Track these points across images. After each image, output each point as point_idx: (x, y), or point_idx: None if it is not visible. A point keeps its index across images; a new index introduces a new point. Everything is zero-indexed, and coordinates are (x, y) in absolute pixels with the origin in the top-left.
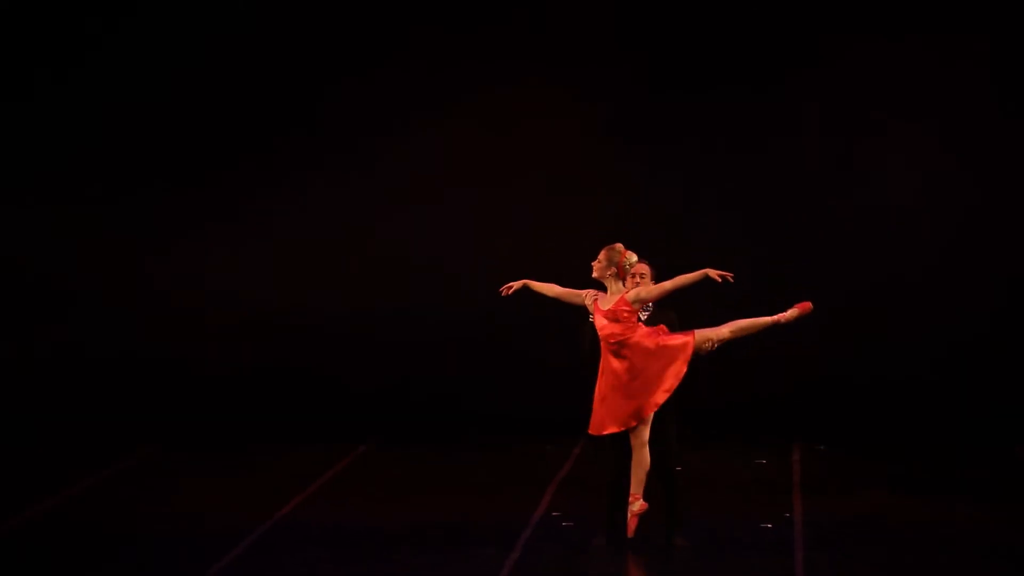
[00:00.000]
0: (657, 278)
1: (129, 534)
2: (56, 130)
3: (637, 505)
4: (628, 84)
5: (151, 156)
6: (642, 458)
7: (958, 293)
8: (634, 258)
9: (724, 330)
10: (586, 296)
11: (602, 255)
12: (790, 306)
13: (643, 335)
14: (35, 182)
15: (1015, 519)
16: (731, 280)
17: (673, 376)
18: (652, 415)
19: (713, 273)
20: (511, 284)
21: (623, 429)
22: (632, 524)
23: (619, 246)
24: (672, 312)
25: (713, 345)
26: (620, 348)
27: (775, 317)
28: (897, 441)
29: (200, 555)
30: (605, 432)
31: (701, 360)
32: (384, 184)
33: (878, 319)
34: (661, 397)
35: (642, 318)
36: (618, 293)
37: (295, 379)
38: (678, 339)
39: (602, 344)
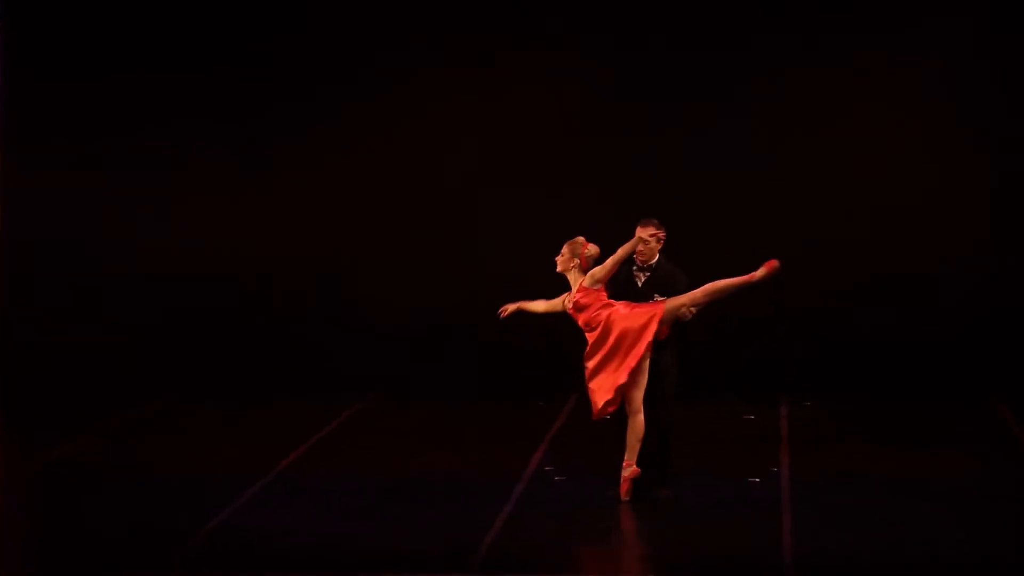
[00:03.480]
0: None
1: (132, 483)
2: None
3: (629, 471)
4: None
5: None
6: (636, 425)
7: (935, 247)
8: (595, 250)
9: (698, 294)
10: (564, 301)
11: (565, 249)
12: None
13: (614, 308)
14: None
15: (998, 469)
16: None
17: (644, 338)
18: (643, 379)
19: (641, 235)
20: (506, 307)
21: (618, 398)
22: (625, 487)
23: (580, 239)
24: (675, 267)
25: (690, 311)
26: (596, 326)
27: (746, 277)
28: (881, 395)
29: (202, 506)
30: (608, 411)
31: (689, 323)
32: (416, 145)
33: (863, 276)
34: (633, 360)
35: (640, 282)
36: (578, 285)
37: (295, 335)
38: (648, 306)
39: (586, 334)
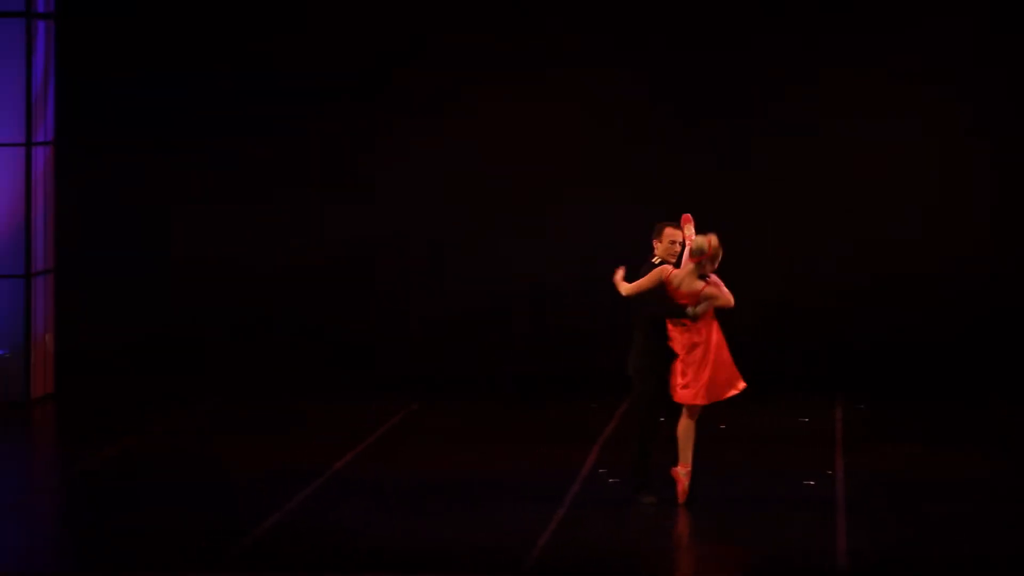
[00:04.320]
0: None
1: (191, 483)
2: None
3: (685, 472)
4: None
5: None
6: (691, 428)
7: (993, 254)
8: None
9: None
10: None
11: (719, 254)
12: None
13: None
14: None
15: None
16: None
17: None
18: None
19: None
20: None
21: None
22: (680, 489)
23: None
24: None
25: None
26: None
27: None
28: (936, 399)
29: (255, 507)
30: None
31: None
32: (471, 151)
33: (916, 281)
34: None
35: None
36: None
37: (349, 337)
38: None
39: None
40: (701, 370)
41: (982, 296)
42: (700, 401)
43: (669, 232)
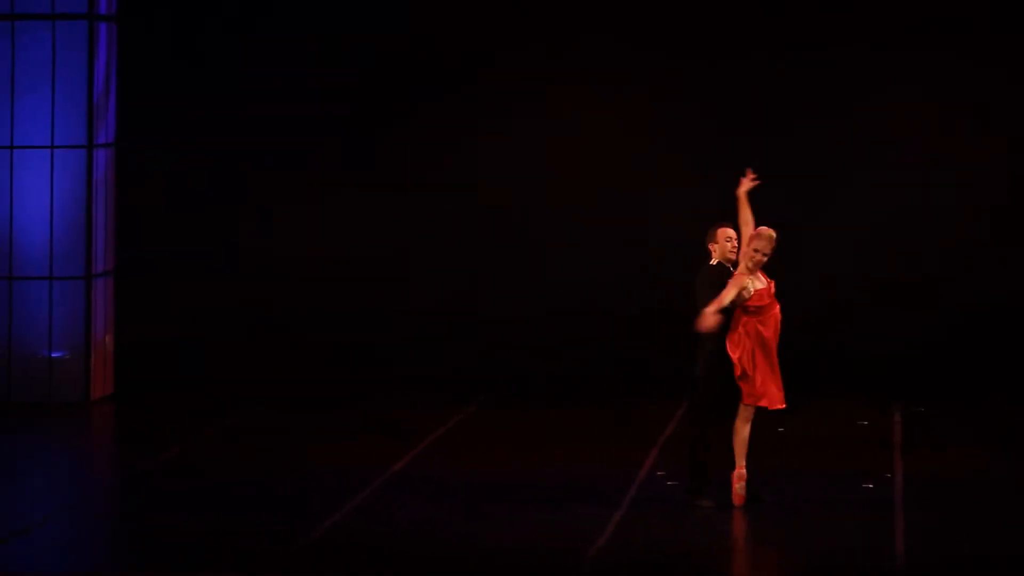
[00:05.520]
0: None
1: (248, 484)
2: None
3: (740, 474)
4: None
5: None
6: (746, 431)
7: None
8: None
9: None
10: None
11: (770, 248)
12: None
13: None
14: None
15: None
16: (753, 176)
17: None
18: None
19: (744, 187)
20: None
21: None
22: (737, 491)
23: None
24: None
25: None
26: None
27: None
28: (995, 401)
29: (317, 506)
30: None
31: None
32: (515, 156)
33: (975, 279)
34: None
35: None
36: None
37: (410, 336)
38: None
39: (763, 320)
40: (756, 373)
41: None
42: (754, 403)
43: (723, 232)
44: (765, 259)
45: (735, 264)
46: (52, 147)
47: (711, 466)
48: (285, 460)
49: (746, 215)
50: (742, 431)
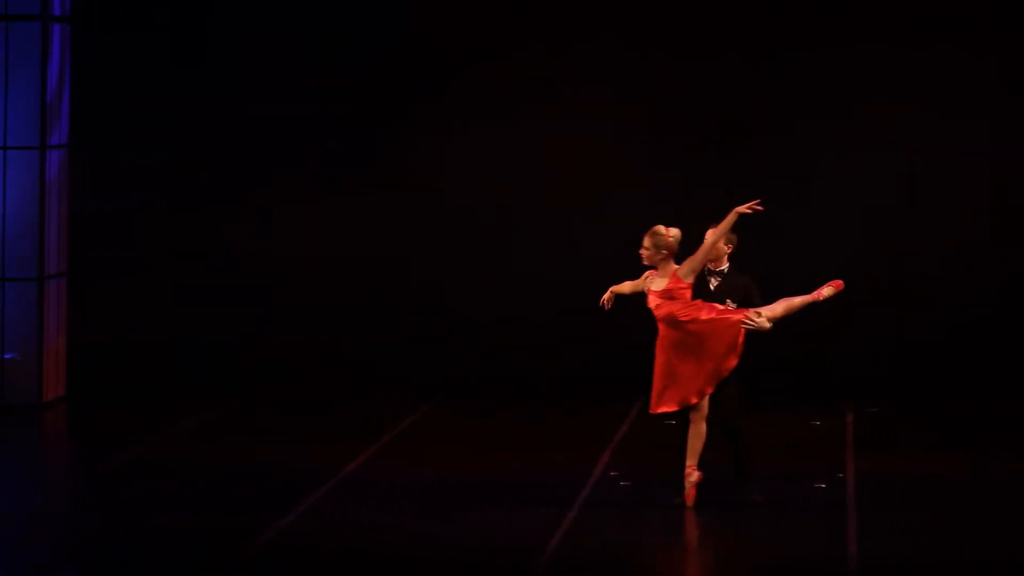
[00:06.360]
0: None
1: (198, 486)
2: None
3: (695, 476)
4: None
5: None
6: (700, 430)
7: (1003, 252)
8: (677, 233)
9: (778, 308)
10: (647, 285)
11: (647, 240)
12: (826, 283)
13: (703, 311)
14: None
15: None
16: (761, 209)
17: (734, 352)
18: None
19: (742, 208)
20: (604, 298)
21: (685, 406)
22: (691, 494)
23: (659, 227)
24: (747, 276)
25: (766, 322)
26: (682, 325)
27: (813, 295)
28: (947, 402)
29: (267, 510)
30: (663, 411)
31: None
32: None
33: (926, 279)
34: (725, 372)
35: (712, 286)
36: (669, 273)
37: (362, 338)
38: (733, 315)
39: (661, 324)
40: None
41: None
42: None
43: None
44: (644, 254)
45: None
46: (4, 148)
47: (671, 465)
48: (238, 461)
49: (724, 227)
50: (693, 429)
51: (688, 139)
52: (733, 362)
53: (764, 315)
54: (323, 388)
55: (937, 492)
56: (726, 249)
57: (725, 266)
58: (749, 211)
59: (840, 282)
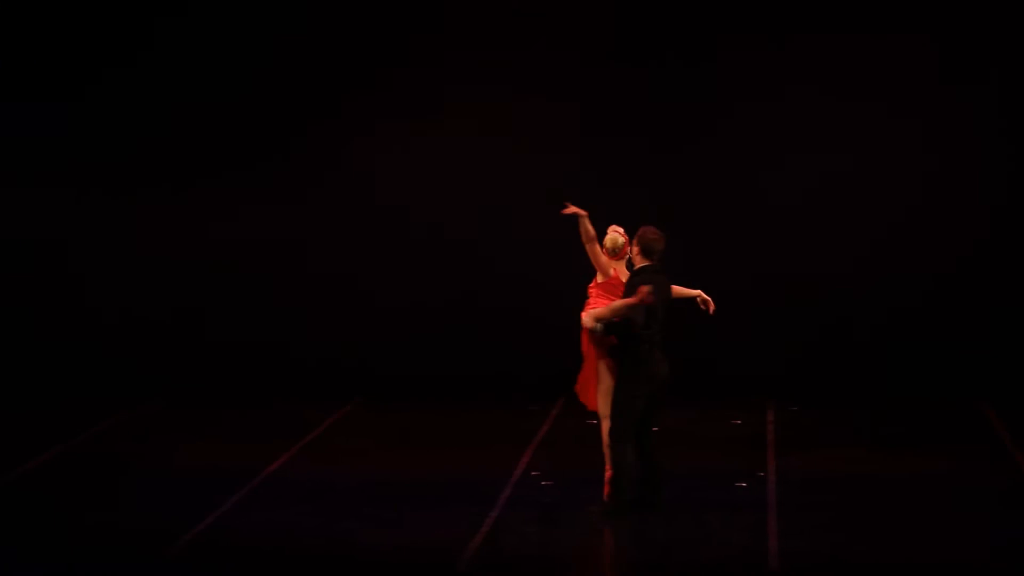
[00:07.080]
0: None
1: (122, 486)
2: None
3: (609, 474)
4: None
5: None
6: (603, 431)
7: (922, 251)
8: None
9: (603, 309)
10: (608, 271)
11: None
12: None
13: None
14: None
15: (983, 473)
16: (584, 213)
17: (588, 355)
18: (603, 387)
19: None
20: (572, 208)
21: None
22: (608, 491)
23: (616, 234)
24: (648, 275)
25: (589, 321)
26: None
27: (632, 300)
28: (868, 400)
29: (189, 510)
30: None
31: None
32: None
33: (845, 278)
34: (592, 376)
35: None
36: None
37: (283, 339)
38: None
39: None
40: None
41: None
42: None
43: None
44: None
45: (629, 264)
46: None
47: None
48: (162, 461)
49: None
50: (602, 428)
51: (616, 139)
52: (589, 363)
53: (590, 315)
54: (243, 388)
55: (857, 490)
56: (624, 249)
57: (640, 265)
58: (570, 213)
59: (644, 289)
